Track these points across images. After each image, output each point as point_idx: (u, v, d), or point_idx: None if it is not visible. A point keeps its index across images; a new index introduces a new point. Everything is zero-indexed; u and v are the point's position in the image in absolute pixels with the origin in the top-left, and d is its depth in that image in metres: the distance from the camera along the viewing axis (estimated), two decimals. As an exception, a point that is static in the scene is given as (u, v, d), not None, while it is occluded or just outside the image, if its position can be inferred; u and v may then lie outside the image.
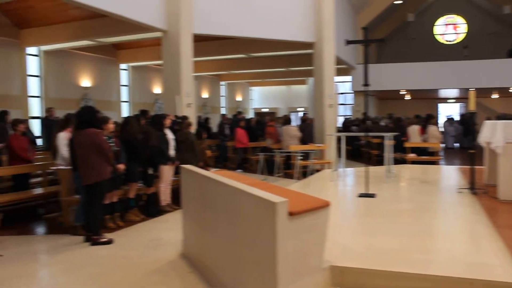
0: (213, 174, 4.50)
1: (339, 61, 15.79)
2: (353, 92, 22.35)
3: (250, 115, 28.06)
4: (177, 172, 7.78)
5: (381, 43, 24.38)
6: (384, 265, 3.85)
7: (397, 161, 11.55)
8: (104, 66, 17.54)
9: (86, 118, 5.72)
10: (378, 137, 12.52)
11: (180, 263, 4.89)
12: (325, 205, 3.39)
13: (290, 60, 19.45)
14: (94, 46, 15.46)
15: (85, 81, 16.60)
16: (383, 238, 4.89)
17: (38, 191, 7.65)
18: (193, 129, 8.77)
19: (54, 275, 4.70)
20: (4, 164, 7.56)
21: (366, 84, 7.37)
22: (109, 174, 5.73)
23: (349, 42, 7.95)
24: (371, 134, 11.77)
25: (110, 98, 17.81)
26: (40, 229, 6.79)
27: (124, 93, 18.91)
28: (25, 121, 8.27)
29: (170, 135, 7.59)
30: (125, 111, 18.64)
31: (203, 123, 14.86)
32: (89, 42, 14.43)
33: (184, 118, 8.49)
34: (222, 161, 14.29)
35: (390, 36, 24.94)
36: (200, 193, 4.41)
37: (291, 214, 3.01)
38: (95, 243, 5.62)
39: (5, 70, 13.81)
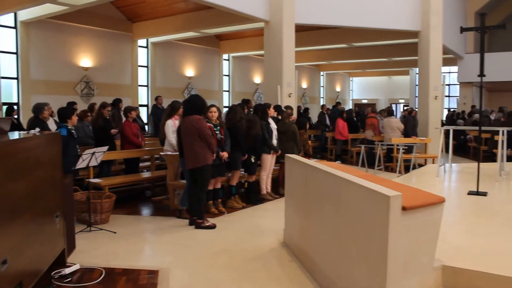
0: (320, 164, 4.44)
1: (445, 51, 14.89)
2: (458, 83, 21.03)
3: (349, 106, 27.55)
4: (277, 161, 7.84)
5: (499, 30, 22.46)
6: (501, 269, 3.56)
7: (509, 159, 10.68)
8: (207, 56, 18.10)
9: (192, 106, 5.94)
10: (488, 131, 11.66)
11: (281, 251, 4.92)
12: (439, 201, 3.19)
13: (392, 49, 18.72)
14: (198, 37, 16.00)
15: (189, 71, 17.26)
16: (497, 240, 4.55)
17: (146, 174, 8.11)
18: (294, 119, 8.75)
19: (161, 253, 4.95)
20: (117, 149, 8.08)
21: (481, 75, 6.84)
22: (211, 160, 5.89)
23: (463, 30, 7.41)
24: (485, 128, 10.98)
25: (212, 87, 18.35)
26: (147, 210, 7.18)
27: (225, 83, 19.40)
28: (136, 109, 8.76)
29: (273, 125, 7.64)
30: (226, 100, 19.15)
31: (302, 114, 14.82)
32: (194, 33, 14.95)
33: (288, 107, 8.52)
34: (321, 152, 14.18)
35: (503, 22, 23.00)
36: (305, 182, 4.37)
37: (404, 208, 2.87)
38: (199, 226, 5.83)
39: (119, 61, 14.76)
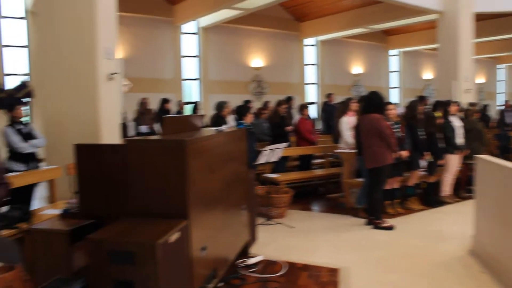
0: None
1: None
2: None
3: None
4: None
5: None
6: None
7: None
8: (374, 52, 17.63)
9: (371, 103, 5.75)
10: None
11: (469, 260, 4.49)
12: None
13: None
14: (365, 34, 15.64)
15: (356, 68, 16.98)
16: None
17: (320, 171, 8.13)
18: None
19: (340, 252, 4.86)
20: (292, 145, 8.25)
21: None
22: (391, 160, 5.64)
23: None
24: None
25: (379, 84, 17.82)
26: (322, 207, 7.18)
27: (393, 79, 18.69)
28: (308, 106, 8.85)
29: (456, 123, 7.04)
30: (395, 97, 18.46)
31: (481, 111, 13.52)
32: (361, 29, 14.65)
33: (472, 104, 7.82)
34: (504, 153, 12.77)
35: None
36: (504, 187, 3.90)
37: None
38: (377, 227, 5.63)
39: (287, 61, 15.16)
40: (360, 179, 6.33)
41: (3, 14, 11.10)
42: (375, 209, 5.72)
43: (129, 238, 2.62)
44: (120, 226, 2.83)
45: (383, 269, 4.29)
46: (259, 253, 4.68)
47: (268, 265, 4.45)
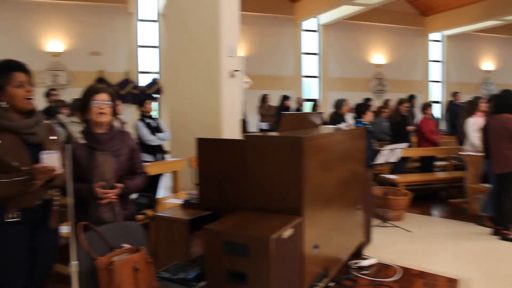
0: None
1: None
2: None
3: None
4: None
5: None
6: None
7: None
8: (509, 47, 16.17)
9: (503, 102, 5.30)
10: None
11: None
12: None
13: None
14: (499, 26, 14.39)
15: (487, 64, 15.73)
16: None
17: (442, 174, 7.68)
18: None
19: (460, 261, 4.55)
20: (413, 146, 7.91)
21: None
22: (524, 164, 5.15)
23: None
24: None
25: (512, 82, 16.37)
26: (442, 212, 6.78)
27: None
28: (432, 105, 8.41)
29: None
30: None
31: None
32: (493, 22, 13.52)
33: None
34: None
35: None
36: None
37: None
38: (504, 238, 5.18)
39: (410, 57, 14.53)
40: (487, 185, 5.86)
41: (139, 18, 12.07)
42: (503, 218, 5.26)
43: (244, 231, 2.70)
44: (236, 219, 2.93)
45: (510, 286, 3.94)
46: (373, 256, 4.56)
47: (382, 268, 4.31)
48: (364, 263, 4.35)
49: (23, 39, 10.97)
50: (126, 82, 11.44)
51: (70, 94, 8.28)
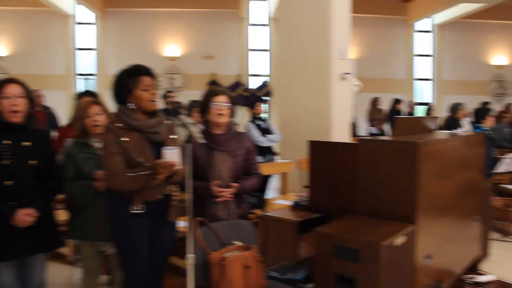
0: None
1: None
2: None
3: None
4: None
5: None
6: None
7: None
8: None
9: None
10: None
11: None
12: None
13: None
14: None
15: (497, 58, 13.59)
16: None
17: None
18: None
19: None
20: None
21: None
22: None
23: None
24: None
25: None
26: None
27: None
28: None
29: None
30: None
31: None
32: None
33: None
34: None
35: None
36: None
37: None
38: None
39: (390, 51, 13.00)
40: None
41: (250, 22, 12.43)
42: None
43: (355, 236, 2.68)
44: (346, 223, 2.91)
45: None
46: (490, 272, 4.26)
47: (501, 286, 4.01)
48: (481, 279, 4.08)
49: (145, 45, 11.85)
50: (237, 84, 11.83)
51: (185, 96, 8.75)
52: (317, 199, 3.45)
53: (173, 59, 11.98)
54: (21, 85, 2.74)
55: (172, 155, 2.46)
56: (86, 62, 12.70)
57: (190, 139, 2.58)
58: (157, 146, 2.60)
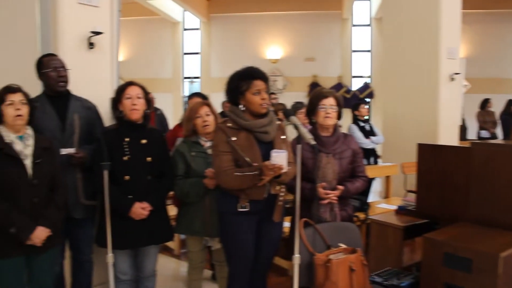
0: None
1: None
2: None
3: None
4: None
5: None
6: None
7: None
8: None
9: None
10: None
11: None
12: None
13: None
14: None
15: None
16: None
17: None
18: None
19: None
20: None
21: None
22: None
23: None
24: None
25: None
26: None
27: None
28: None
29: None
30: None
31: None
32: None
33: None
34: None
35: None
36: None
37: None
38: None
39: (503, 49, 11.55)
40: None
41: (353, 23, 12.27)
42: None
43: (468, 244, 2.53)
44: (458, 230, 2.77)
45: None
46: None
47: None
48: None
49: (247, 48, 12.16)
50: (339, 86, 11.72)
51: (287, 98, 8.82)
52: (424, 204, 3.31)
53: (274, 61, 12.13)
54: (141, 87, 2.96)
55: (279, 158, 2.46)
56: (191, 66, 13.29)
57: (299, 140, 2.58)
58: (266, 146, 2.65)
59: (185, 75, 13.33)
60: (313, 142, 2.44)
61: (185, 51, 13.25)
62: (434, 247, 2.61)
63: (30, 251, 2.49)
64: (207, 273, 4.05)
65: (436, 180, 3.20)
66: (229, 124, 2.65)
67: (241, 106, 2.66)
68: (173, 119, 8.69)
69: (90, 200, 3.10)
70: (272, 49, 12.31)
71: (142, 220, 2.85)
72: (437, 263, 2.59)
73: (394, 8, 6.44)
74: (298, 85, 11.83)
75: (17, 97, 2.45)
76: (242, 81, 2.64)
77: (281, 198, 2.67)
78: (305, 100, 5.14)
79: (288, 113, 2.60)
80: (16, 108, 2.43)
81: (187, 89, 13.20)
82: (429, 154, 3.27)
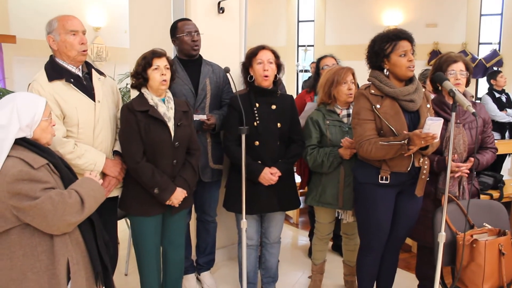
0: None
1: None
2: None
3: None
4: None
5: None
6: None
7: None
8: None
9: None
10: None
11: None
12: None
13: None
14: None
15: None
16: None
17: None
18: None
19: None
20: None
21: None
22: None
23: None
24: None
25: None
26: None
27: None
28: None
29: None
30: None
31: None
32: None
33: None
34: None
35: None
36: None
37: None
38: None
39: None
40: None
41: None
42: None
43: None
44: None
45: None
46: None
47: None
48: None
49: (363, 14, 11.62)
50: (463, 54, 10.82)
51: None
52: None
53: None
54: (272, 52, 2.88)
55: (435, 126, 2.24)
56: (305, 34, 13.05)
57: (454, 107, 2.34)
58: (412, 115, 2.47)
59: (300, 44, 13.15)
60: (472, 110, 2.19)
61: (300, 19, 13.04)
62: None
63: (166, 211, 2.58)
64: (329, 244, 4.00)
65: None
66: (373, 91, 2.49)
67: (386, 71, 2.50)
68: (287, 87, 8.63)
69: (217, 164, 3.16)
70: (391, 14, 11.68)
71: (270, 186, 2.84)
72: None
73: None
74: (417, 53, 11.12)
75: (162, 62, 2.49)
76: (387, 43, 2.47)
77: (424, 172, 2.49)
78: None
79: (441, 78, 2.38)
80: (162, 74, 2.47)
81: (301, 57, 13.03)
82: None
